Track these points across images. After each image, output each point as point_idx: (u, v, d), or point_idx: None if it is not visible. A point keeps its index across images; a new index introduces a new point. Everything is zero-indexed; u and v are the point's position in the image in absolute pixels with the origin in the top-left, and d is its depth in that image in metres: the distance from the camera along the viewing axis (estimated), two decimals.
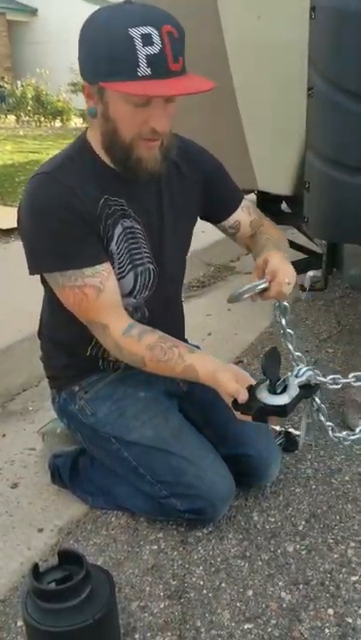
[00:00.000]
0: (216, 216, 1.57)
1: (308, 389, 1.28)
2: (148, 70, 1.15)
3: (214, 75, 2.42)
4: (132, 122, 1.23)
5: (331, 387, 1.35)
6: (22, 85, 12.74)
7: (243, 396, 1.23)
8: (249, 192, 3.02)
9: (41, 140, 9.10)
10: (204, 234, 3.23)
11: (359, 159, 1.80)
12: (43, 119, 12.57)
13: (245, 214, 1.58)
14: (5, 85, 13.12)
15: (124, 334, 1.35)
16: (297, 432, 1.81)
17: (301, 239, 2.97)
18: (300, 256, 3.04)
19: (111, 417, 1.49)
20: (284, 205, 3.06)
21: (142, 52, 1.14)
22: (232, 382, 1.26)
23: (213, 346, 2.46)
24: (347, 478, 1.65)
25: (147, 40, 1.14)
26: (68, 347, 1.54)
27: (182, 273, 1.60)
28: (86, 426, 1.53)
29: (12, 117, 12.68)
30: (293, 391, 1.23)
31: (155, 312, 1.50)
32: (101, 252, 1.35)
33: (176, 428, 1.49)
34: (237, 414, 1.27)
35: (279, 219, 2.88)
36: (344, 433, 1.46)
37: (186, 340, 1.72)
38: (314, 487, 1.62)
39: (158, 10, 1.21)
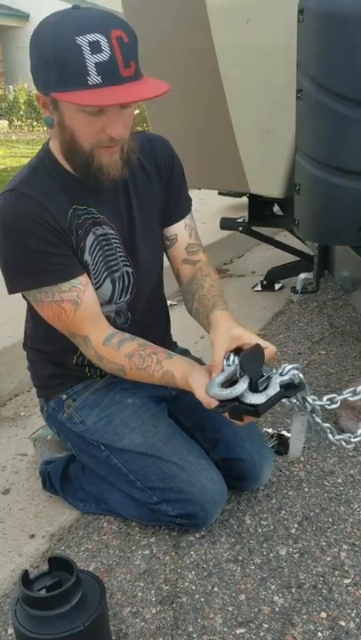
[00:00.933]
0: (165, 219, 1.52)
1: (291, 389, 1.21)
2: (99, 78, 1.13)
3: (204, 79, 2.43)
4: (89, 130, 1.22)
5: (330, 407, 1.30)
6: (14, 90, 12.74)
7: (207, 403, 1.18)
8: (241, 195, 3.04)
9: (33, 145, 9.10)
10: None
11: (348, 161, 1.80)
12: (35, 124, 12.57)
13: (185, 233, 1.53)
14: None
15: (104, 344, 1.35)
16: (289, 434, 1.80)
17: (293, 241, 2.97)
18: (293, 258, 3.05)
19: (100, 424, 1.49)
20: (276, 208, 3.07)
21: (91, 60, 1.12)
22: (202, 388, 1.20)
23: (206, 349, 2.45)
24: (339, 480, 1.65)
25: (95, 47, 1.12)
26: (54, 357, 1.53)
27: (160, 271, 1.57)
28: (75, 434, 1.52)
29: (4, 122, 12.69)
30: (272, 390, 1.16)
31: (137, 314, 1.50)
32: (76, 264, 1.35)
33: (166, 434, 1.48)
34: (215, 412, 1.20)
35: (271, 221, 2.89)
36: (345, 435, 1.40)
37: (175, 343, 1.72)
38: (306, 490, 1.62)
39: (108, 14, 1.19)
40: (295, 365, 1.21)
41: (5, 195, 1.30)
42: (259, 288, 3.17)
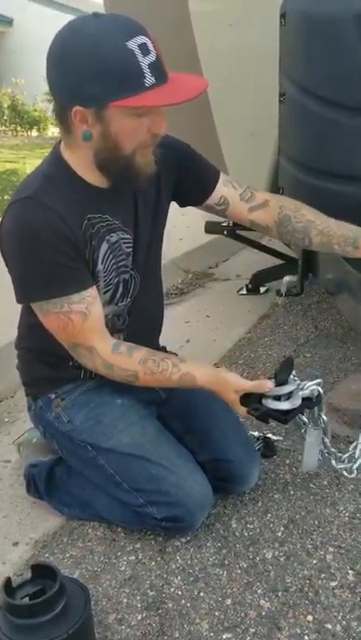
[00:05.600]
0: (197, 198, 1.52)
1: (310, 402, 1.37)
2: (153, 79, 1.16)
3: None
4: (137, 133, 1.23)
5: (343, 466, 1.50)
6: None
7: (265, 385, 1.31)
8: None
9: (17, 150, 9.06)
10: (181, 241, 3.24)
11: (331, 164, 1.81)
12: (19, 129, 12.52)
13: (230, 188, 1.51)
14: None
15: (114, 352, 1.36)
16: (275, 437, 1.81)
17: (278, 245, 2.98)
18: (277, 262, 3.06)
19: (88, 424, 1.47)
20: None
21: (145, 62, 1.15)
22: (243, 379, 1.34)
23: (192, 353, 2.45)
24: (325, 482, 1.64)
25: (144, 49, 1.15)
26: (50, 358, 1.51)
27: (160, 275, 1.59)
28: (62, 434, 1.51)
29: None
30: (297, 400, 1.32)
31: (136, 317, 1.50)
32: (88, 277, 1.34)
33: (154, 436, 1.48)
34: (241, 410, 1.34)
35: None
36: (348, 464, 1.50)
37: (164, 348, 1.71)
38: (292, 492, 1.62)
39: (128, 17, 1.21)
40: (318, 381, 1.37)
41: (22, 203, 1.28)
42: (244, 292, 3.17)
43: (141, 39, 1.15)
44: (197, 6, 2.23)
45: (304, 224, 1.49)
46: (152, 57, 1.16)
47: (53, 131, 12.53)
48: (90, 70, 1.15)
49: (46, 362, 1.52)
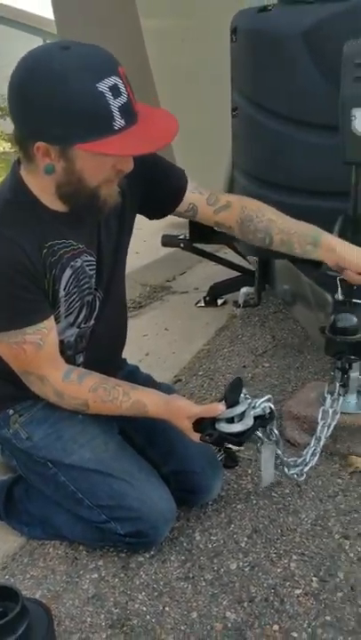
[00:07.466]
0: (167, 208, 1.51)
1: (263, 420, 1.38)
2: (122, 121, 1.13)
3: (141, 99, 2.46)
4: (102, 170, 1.20)
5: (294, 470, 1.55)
6: None
7: (215, 409, 1.30)
8: None
9: None
10: (138, 254, 3.24)
11: (282, 177, 1.85)
12: None
13: (197, 194, 1.50)
14: None
15: (64, 380, 1.35)
16: (236, 448, 1.81)
17: (234, 257, 3.02)
18: (234, 274, 3.09)
19: (47, 440, 1.45)
20: None
21: (115, 104, 1.11)
22: (193, 405, 1.34)
23: (151, 366, 2.44)
24: (287, 491, 1.66)
25: (115, 92, 1.11)
26: (9, 375, 1.47)
27: (125, 296, 1.59)
28: (21, 450, 1.48)
29: None
30: (249, 421, 1.33)
31: (98, 339, 1.48)
32: (46, 307, 1.32)
33: (116, 451, 1.47)
34: (195, 437, 1.34)
35: (212, 238, 2.93)
36: (297, 469, 1.56)
37: (124, 360, 1.70)
38: (255, 502, 1.62)
39: (101, 49, 1.16)
40: (268, 397, 1.38)
41: None
42: (202, 304, 3.19)
43: (113, 80, 1.11)
44: (150, 22, 2.26)
45: (265, 223, 1.50)
46: (123, 99, 1.12)
47: (5, 146, 12.40)
48: (56, 111, 1.11)
49: (6, 379, 1.49)
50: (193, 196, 1.50)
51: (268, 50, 1.77)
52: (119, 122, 1.12)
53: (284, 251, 1.52)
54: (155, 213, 1.52)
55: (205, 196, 1.51)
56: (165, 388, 1.57)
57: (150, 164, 1.42)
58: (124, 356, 1.69)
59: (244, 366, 2.43)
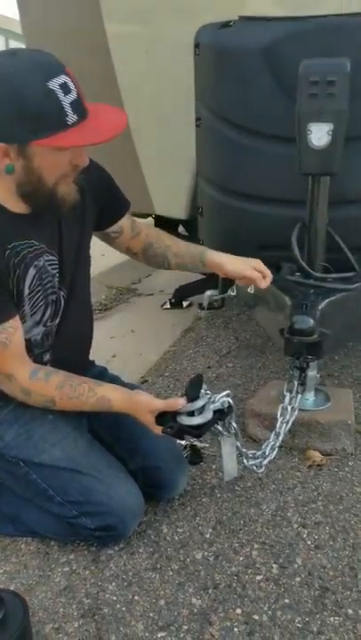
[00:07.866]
0: (106, 223, 1.61)
1: (222, 414, 1.45)
2: (75, 116, 1.21)
3: (105, 103, 2.50)
4: (59, 166, 1.28)
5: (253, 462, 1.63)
6: None
7: (176, 403, 1.36)
8: (147, 216, 3.13)
9: None
10: (104, 257, 3.29)
11: (244, 185, 1.93)
12: None
13: (127, 220, 1.65)
14: None
15: (31, 378, 1.39)
16: (201, 444, 1.89)
17: None
18: (199, 277, 3.16)
19: (18, 440, 1.49)
20: (181, 228, 3.18)
21: (66, 101, 1.19)
22: (155, 399, 1.39)
23: (118, 367, 2.49)
24: (249, 484, 1.74)
25: (65, 89, 1.19)
26: None
27: (89, 295, 1.64)
28: None
29: None
30: (208, 414, 1.40)
31: (64, 337, 1.53)
32: (11, 306, 1.37)
33: (85, 448, 1.52)
34: (157, 430, 1.39)
35: None
36: (257, 460, 1.64)
37: (92, 362, 1.76)
38: (219, 495, 1.70)
39: (47, 53, 1.25)
40: (227, 392, 1.45)
41: None
42: (167, 306, 3.26)
43: (62, 79, 1.19)
44: (114, 28, 2.29)
45: (163, 249, 1.68)
46: (73, 95, 1.20)
47: None
48: (10, 112, 1.18)
49: None
50: (125, 220, 1.64)
51: (229, 64, 1.85)
52: (72, 117, 1.21)
53: (182, 270, 1.72)
54: (96, 223, 1.60)
55: (129, 222, 1.66)
56: (132, 388, 1.63)
57: (107, 181, 1.56)
58: (91, 357, 1.74)
59: (208, 367, 2.51)
